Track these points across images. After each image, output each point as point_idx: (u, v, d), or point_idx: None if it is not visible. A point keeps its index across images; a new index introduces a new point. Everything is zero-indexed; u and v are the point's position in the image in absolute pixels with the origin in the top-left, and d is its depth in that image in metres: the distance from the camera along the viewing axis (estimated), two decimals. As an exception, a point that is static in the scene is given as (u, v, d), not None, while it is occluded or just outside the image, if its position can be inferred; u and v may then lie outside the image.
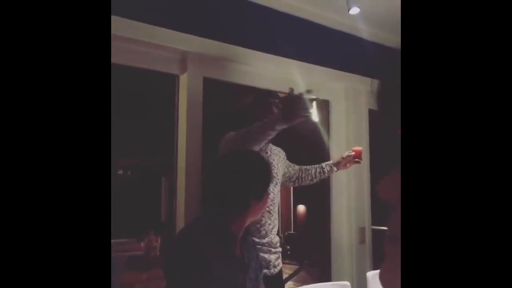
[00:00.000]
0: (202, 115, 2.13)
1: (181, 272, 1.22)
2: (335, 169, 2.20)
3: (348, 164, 2.19)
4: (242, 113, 2.07)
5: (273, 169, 1.99)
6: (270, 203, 1.94)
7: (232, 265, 1.33)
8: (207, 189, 1.97)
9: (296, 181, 2.21)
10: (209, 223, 1.35)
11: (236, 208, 1.36)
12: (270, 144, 2.08)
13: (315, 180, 2.22)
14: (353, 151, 2.17)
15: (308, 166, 2.22)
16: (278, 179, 2.04)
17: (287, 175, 2.18)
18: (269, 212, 1.94)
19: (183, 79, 2.14)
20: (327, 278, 2.77)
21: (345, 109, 2.82)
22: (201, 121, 2.13)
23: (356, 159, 2.16)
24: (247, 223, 1.41)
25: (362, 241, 2.77)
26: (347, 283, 2.02)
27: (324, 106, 2.86)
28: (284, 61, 2.45)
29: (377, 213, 2.96)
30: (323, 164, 2.22)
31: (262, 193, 1.39)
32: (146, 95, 3.11)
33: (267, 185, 1.43)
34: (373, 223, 2.91)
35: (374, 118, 2.94)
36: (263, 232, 1.91)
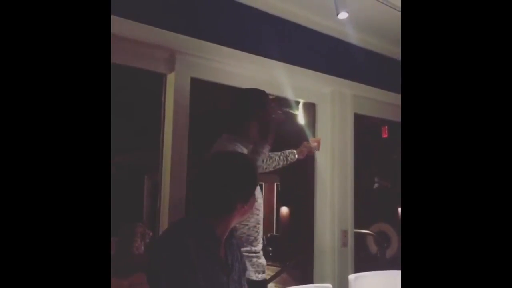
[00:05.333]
0: (189, 115, 2.12)
1: (164, 273, 1.21)
2: (296, 156, 2.31)
3: (305, 151, 2.33)
4: (229, 113, 2.05)
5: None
6: (259, 208, 1.95)
7: (216, 267, 1.33)
8: (193, 190, 1.96)
9: (259, 169, 2.22)
10: (194, 225, 1.34)
11: (221, 211, 1.35)
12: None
13: (278, 166, 2.28)
14: (313, 141, 2.38)
15: (271, 153, 2.25)
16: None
17: None
18: (261, 218, 1.96)
19: (170, 78, 2.13)
20: (309, 280, 2.78)
21: (330, 113, 2.84)
22: (187, 121, 2.11)
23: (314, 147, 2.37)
24: (232, 225, 1.40)
25: (344, 244, 2.79)
26: (329, 285, 2.03)
27: (310, 109, 2.87)
28: (272, 63, 2.46)
29: (360, 217, 2.98)
30: (287, 152, 2.30)
31: (248, 197, 1.39)
32: (132, 93, 3.08)
33: (253, 189, 1.42)
34: (356, 226, 2.94)
35: (359, 122, 2.98)
36: (259, 239, 1.94)
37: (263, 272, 1.94)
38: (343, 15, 2.25)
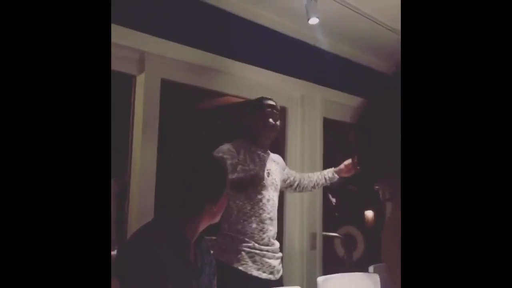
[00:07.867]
0: (159, 117, 2.09)
1: (132, 277, 1.19)
2: (336, 176, 2.24)
3: (344, 170, 2.22)
4: (199, 115, 2.06)
5: (271, 176, 2.05)
6: (271, 209, 2.00)
7: (185, 270, 1.31)
8: (160, 191, 1.93)
9: (297, 188, 2.25)
10: (162, 227, 1.32)
11: (189, 212, 1.33)
12: (268, 152, 2.12)
13: (317, 187, 2.27)
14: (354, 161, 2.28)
15: (310, 174, 2.28)
16: (276, 185, 2.08)
17: (287, 182, 2.22)
18: (270, 219, 1.99)
19: (140, 80, 2.10)
20: (278, 283, 2.79)
21: (300, 116, 2.87)
22: (157, 122, 2.09)
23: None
24: (202, 227, 1.39)
25: (313, 246, 2.82)
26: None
27: (281, 113, 2.89)
28: (241, 66, 2.46)
29: (328, 220, 3.02)
30: (324, 171, 2.27)
31: (217, 197, 1.37)
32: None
33: (222, 189, 1.41)
34: (324, 229, 2.97)
35: (328, 126, 3.02)
36: (266, 239, 1.97)
37: (271, 273, 1.96)
38: (313, 21, 2.29)
